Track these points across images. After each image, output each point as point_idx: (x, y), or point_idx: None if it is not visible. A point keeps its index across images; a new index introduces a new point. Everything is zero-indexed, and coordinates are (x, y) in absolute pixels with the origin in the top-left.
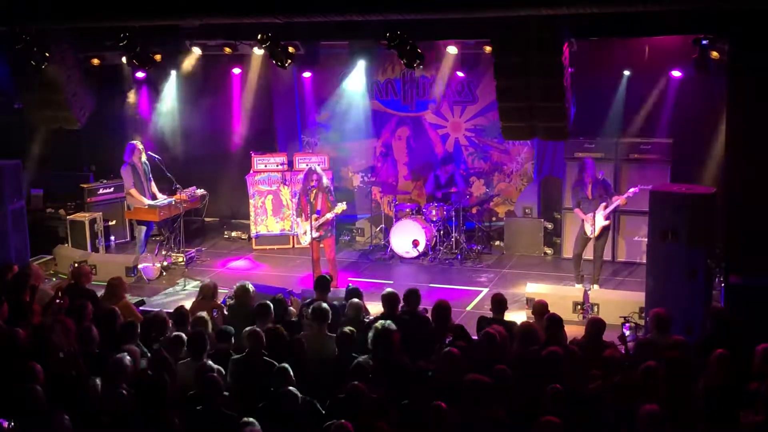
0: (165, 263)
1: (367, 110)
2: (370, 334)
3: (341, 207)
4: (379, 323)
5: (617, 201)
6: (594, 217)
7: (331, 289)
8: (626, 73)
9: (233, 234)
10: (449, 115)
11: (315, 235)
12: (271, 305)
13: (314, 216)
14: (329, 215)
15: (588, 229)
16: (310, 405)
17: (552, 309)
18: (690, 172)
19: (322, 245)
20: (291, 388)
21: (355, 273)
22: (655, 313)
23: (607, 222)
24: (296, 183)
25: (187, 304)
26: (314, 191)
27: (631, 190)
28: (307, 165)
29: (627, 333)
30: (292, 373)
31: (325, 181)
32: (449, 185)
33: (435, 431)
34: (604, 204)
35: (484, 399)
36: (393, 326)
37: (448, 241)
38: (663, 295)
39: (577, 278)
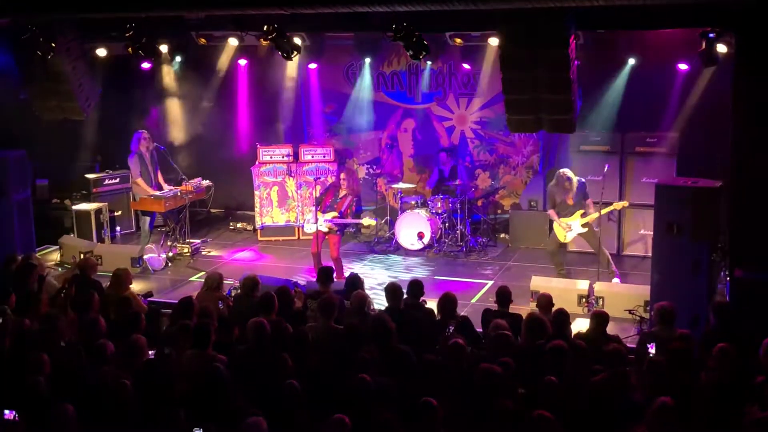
0: (170, 254)
1: (372, 102)
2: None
3: (370, 222)
4: (375, 314)
5: (593, 211)
6: (570, 224)
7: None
8: (632, 65)
9: (238, 225)
10: (455, 108)
11: (324, 229)
12: (276, 297)
13: (334, 214)
14: (350, 221)
15: (561, 233)
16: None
17: (557, 302)
18: (696, 165)
19: (326, 238)
20: (292, 381)
21: (360, 264)
22: (660, 307)
23: (584, 230)
24: (301, 174)
25: (193, 295)
26: (342, 192)
27: (612, 207)
28: (312, 156)
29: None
30: (291, 363)
31: (357, 188)
32: (452, 178)
33: (427, 427)
34: (581, 212)
35: (495, 389)
36: (387, 316)
37: (453, 233)
38: (668, 289)
39: (559, 273)
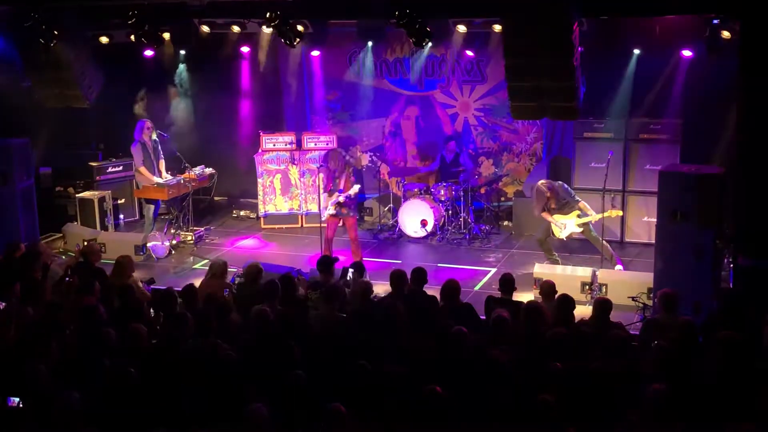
0: (174, 242)
1: (375, 89)
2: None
3: (353, 189)
4: (384, 300)
5: (588, 213)
6: (565, 222)
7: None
8: (636, 52)
9: (242, 213)
10: (458, 95)
11: (332, 212)
12: (279, 284)
13: (337, 194)
14: (342, 197)
15: (557, 230)
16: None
17: (560, 289)
18: (700, 152)
19: (341, 223)
20: (298, 371)
21: (364, 252)
22: (663, 293)
23: (580, 229)
24: (304, 162)
25: (197, 283)
26: (337, 173)
27: (608, 214)
28: (315, 144)
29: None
30: (297, 351)
31: (350, 160)
32: (455, 164)
33: (430, 415)
34: (577, 212)
35: (498, 377)
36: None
37: (457, 220)
38: (671, 276)
39: (551, 260)
